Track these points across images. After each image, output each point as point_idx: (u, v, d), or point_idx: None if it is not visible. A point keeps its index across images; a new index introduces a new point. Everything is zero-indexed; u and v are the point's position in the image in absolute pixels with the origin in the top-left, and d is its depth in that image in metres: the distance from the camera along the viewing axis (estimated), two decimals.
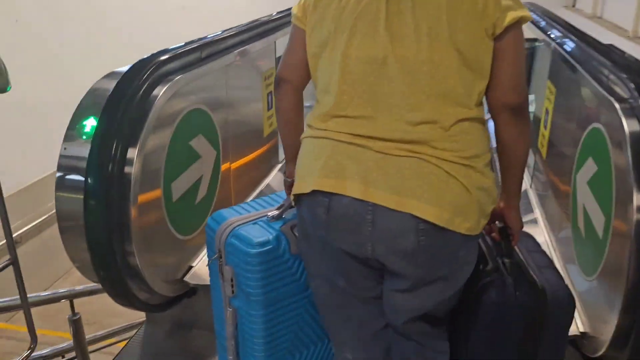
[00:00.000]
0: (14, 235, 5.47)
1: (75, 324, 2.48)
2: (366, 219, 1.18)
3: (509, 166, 1.33)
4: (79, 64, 5.21)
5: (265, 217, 1.55)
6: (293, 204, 1.35)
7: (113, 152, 1.66)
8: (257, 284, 1.48)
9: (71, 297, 2.44)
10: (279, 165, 3.15)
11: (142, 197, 1.72)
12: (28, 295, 2.49)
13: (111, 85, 1.79)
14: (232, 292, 1.52)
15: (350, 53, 1.22)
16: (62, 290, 2.48)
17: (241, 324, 1.57)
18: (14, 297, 2.02)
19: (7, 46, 5.01)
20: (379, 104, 1.20)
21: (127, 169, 1.69)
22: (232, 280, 1.50)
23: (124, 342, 2.38)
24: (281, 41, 3.11)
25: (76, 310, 2.48)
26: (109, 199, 1.64)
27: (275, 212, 1.54)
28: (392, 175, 1.17)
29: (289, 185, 1.50)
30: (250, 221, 1.54)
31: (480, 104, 1.25)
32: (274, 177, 3.01)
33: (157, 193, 1.82)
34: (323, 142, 1.25)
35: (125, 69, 1.84)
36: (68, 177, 1.74)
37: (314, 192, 1.23)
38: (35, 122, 5.11)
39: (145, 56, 1.91)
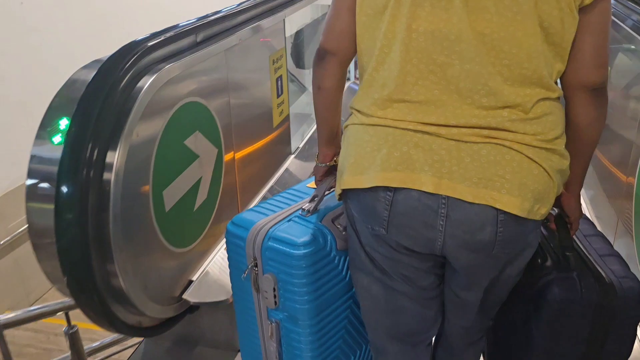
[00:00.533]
0: (22, 229, 5.28)
1: (72, 337, 2.27)
2: (439, 213, 1.06)
3: (579, 150, 1.19)
4: (89, 48, 4.96)
5: (299, 212, 1.37)
6: (338, 197, 1.23)
7: (88, 155, 1.39)
8: (305, 289, 1.32)
9: (66, 309, 2.23)
10: (292, 157, 2.87)
11: (126, 208, 1.46)
12: (17, 312, 2.31)
13: (91, 76, 1.53)
14: (275, 303, 1.34)
15: (417, 26, 1.06)
16: (55, 303, 2.27)
17: (285, 337, 1.40)
18: None
19: (13, 29, 4.84)
20: (448, 87, 1.07)
21: (106, 176, 1.42)
22: (274, 289, 1.33)
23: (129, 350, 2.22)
24: (291, 19, 2.82)
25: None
26: (84, 211, 1.38)
27: (310, 206, 1.37)
28: (468, 165, 1.05)
29: (322, 173, 1.39)
30: (282, 220, 1.36)
31: (556, 81, 1.13)
32: (286, 170, 2.74)
33: (145, 203, 1.57)
34: (382, 130, 1.10)
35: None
36: (40, 186, 1.50)
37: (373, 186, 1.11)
38: None
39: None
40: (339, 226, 1.36)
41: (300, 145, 3.04)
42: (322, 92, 1.27)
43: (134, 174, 1.51)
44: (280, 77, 2.61)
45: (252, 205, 2.34)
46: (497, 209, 1.04)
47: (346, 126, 1.20)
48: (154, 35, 1.69)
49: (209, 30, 1.92)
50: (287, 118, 2.79)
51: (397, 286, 1.24)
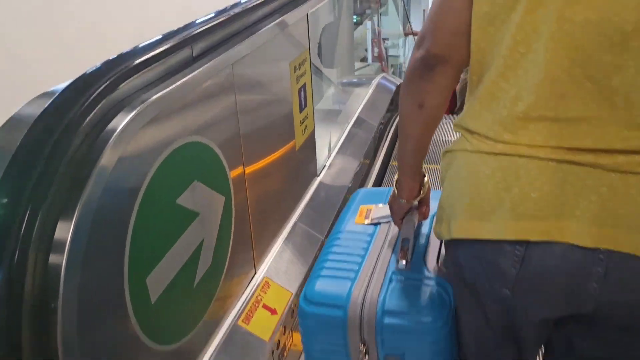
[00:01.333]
0: None
1: None
2: (592, 272, 0.86)
3: None
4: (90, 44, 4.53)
5: (394, 269, 1.18)
6: (444, 248, 1.11)
7: (24, 228, 0.93)
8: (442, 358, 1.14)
9: None
10: (318, 179, 2.39)
11: (85, 306, 1.00)
12: None
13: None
14: None
15: (573, 14, 0.83)
16: None
17: None
18: None
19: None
20: (612, 98, 0.84)
21: (53, 259, 0.95)
22: None
23: None
24: (314, 13, 2.32)
25: None
26: (15, 311, 0.90)
27: (404, 255, 1.16)
28: None
29: (406, 211, 1.20)
30: (380, 284, 1.14)
31: None
32: (311, 199, 2.26)
33: (118, 296, 1.10)
34: (511, 162, 0.89)
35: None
36: None
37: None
38: None
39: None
40: (444, 269, 1.15)
41: (327, 163, 2.55)
42: (425, 111, 1.02)
43: (99, 255, 1.04)
44: (304, 86, 2.12)
45: (272, 254, 1.87)
46: None
47: (449, 151, 1.01)
48: (133, 54, 1.22)
49: (209, 39, 1.43)
50: (312, 134, 2.31)
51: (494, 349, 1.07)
